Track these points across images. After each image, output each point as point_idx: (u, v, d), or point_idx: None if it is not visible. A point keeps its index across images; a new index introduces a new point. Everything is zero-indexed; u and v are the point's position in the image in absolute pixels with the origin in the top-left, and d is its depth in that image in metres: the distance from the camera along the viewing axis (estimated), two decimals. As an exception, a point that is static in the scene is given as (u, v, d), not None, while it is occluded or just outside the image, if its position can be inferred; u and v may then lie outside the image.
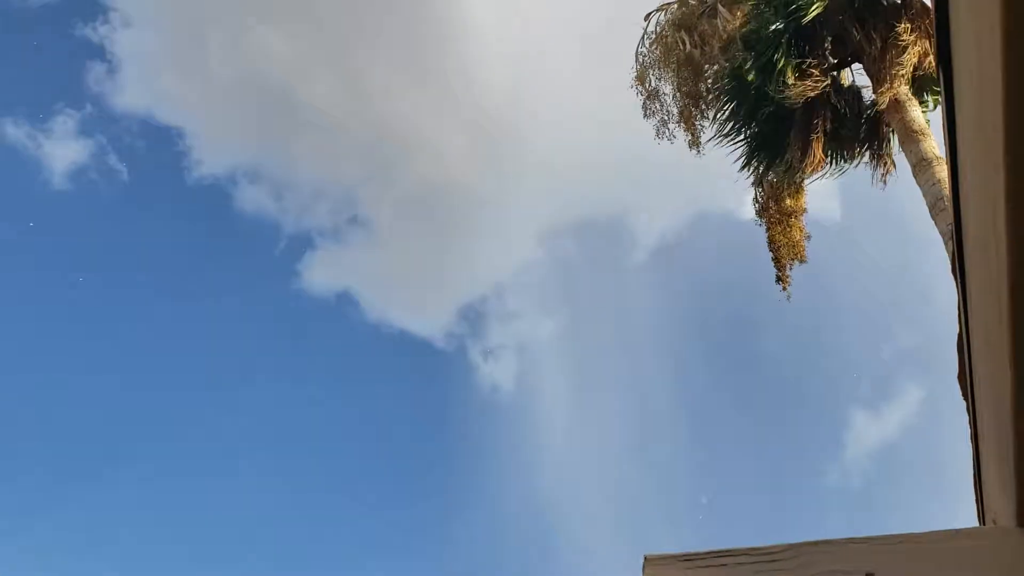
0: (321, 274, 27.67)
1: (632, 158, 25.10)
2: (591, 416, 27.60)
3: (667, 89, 13.21)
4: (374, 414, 29.27)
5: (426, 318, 28.79)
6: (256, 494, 27.59)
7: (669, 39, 12.43)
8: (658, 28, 13.09)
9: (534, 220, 28.29)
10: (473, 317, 29.24)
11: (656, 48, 12.99)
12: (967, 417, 1.77)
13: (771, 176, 12.46)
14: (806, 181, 12.66)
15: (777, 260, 12.56)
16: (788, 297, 12.54)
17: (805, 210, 12.89)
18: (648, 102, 13.22)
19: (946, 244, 9.33)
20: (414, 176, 28.82)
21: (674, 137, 13.31)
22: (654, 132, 13.26)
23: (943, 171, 9.77)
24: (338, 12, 27.41)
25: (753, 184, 12.62)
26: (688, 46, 12.23)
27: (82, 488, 25.50)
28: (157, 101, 27.19)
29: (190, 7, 27.34)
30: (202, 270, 28.65)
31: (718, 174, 13.88)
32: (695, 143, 13.17)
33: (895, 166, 12.24)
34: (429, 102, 28.31)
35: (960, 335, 1.77)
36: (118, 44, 26.27)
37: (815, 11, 10.73)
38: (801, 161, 11.49)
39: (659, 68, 12.84)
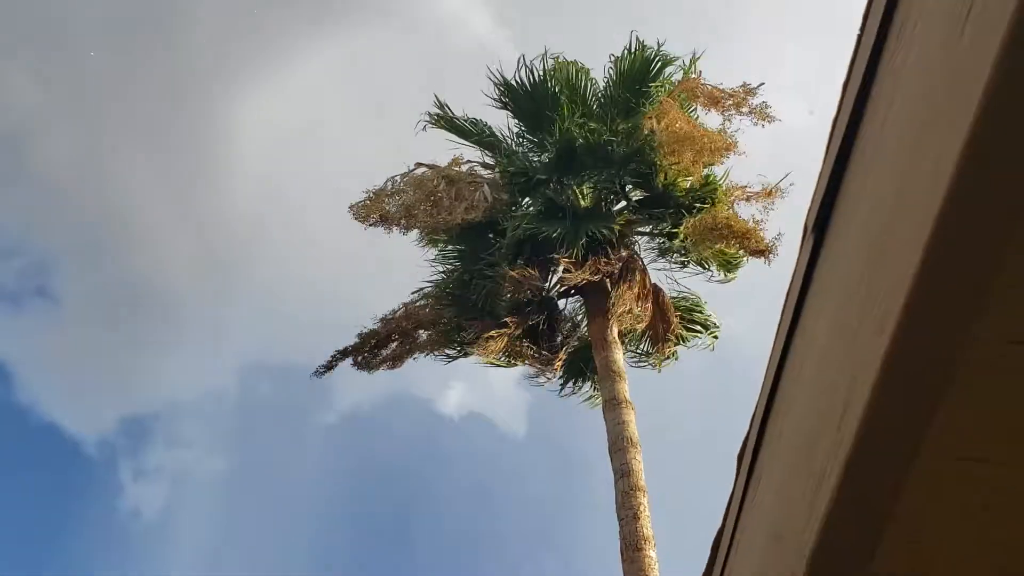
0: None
1: (352, 319, 24.96)
2: (228, 566, 25.47)
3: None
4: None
5: (83, 417, 25.94)
6: None
7: (428, 182, 12.37)
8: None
9: (237, 351, 26.93)
10: (136, 431, 26.71)
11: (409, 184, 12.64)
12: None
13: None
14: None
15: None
16: None
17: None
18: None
19: (616, 481, 9.86)
20: (124, 267, 26.72)
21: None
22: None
23: (629, 414, 10.50)
24: (107, 81, 25.75)
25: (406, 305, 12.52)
26: (443, 193, 12.22)
27: None
28: None
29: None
30: None
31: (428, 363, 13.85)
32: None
33: (567, 383, 13.01)
34: (168, 202, 26.86)
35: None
36: None
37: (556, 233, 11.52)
38: (483, 345, 11.73)
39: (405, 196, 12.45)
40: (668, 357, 12.98)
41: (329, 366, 12.25)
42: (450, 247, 12.87)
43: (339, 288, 24.38)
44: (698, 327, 13.03)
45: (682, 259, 12.76)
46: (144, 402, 26.87)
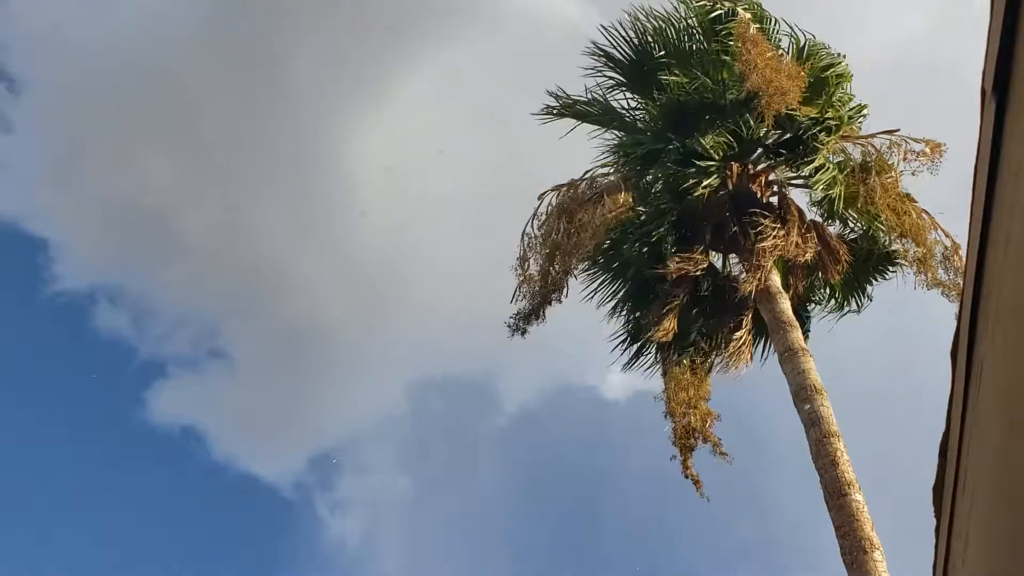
0: (170, 405, 26.20)
1: (504, 325, 25.34)
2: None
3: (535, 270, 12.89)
4: (210, 559, 27.12)
5: (275, 463, 27.45)
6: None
7: (549, 224, 12.50)
8: (548, 209, 13.04)
9: (401, 374, 27.84)
10: (325, 467, 28.02)
11: (540, 230, 12.84)
12: (936, 540, 1.63)
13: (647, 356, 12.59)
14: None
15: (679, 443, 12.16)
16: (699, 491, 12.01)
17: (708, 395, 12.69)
18: (522, 286, 12.77)
19: (807, 431, 9.56)
20: (282, 316, 28.16)
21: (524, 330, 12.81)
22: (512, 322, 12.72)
23: (808, 362, 10.17)
24: (227, 147, 27.29)
25: (662, 374, 12.52)
26: (563, 235, 12.26)
27: None
28: (26, 210, 26.03)
29: (74, 120, 26.71)
30: (43, 384, 26.63)
31: (588, 350, 13.90)
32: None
33: (751, 359, 12.63)
34: (307, 246, 28.11)
35: (945, 441, 1.66)
36: (-4, 148, 25.34)
37: (700, 192, 11.30)
38: (656, 324, 11.61)
39: (537, 250, 12.67)
40: (853, 297, 12.50)
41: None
42: (601, 268, 12.75)
43: (475, 297, 24.88)
44: (877, 266, 12.43)
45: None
46: (327, 438, 28.19)
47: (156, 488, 26.85)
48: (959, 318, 1.65)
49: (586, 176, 12.65)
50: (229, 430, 27.58)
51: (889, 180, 11.37)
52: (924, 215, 11.61)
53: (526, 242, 12.37)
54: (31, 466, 25.71)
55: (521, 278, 12.13)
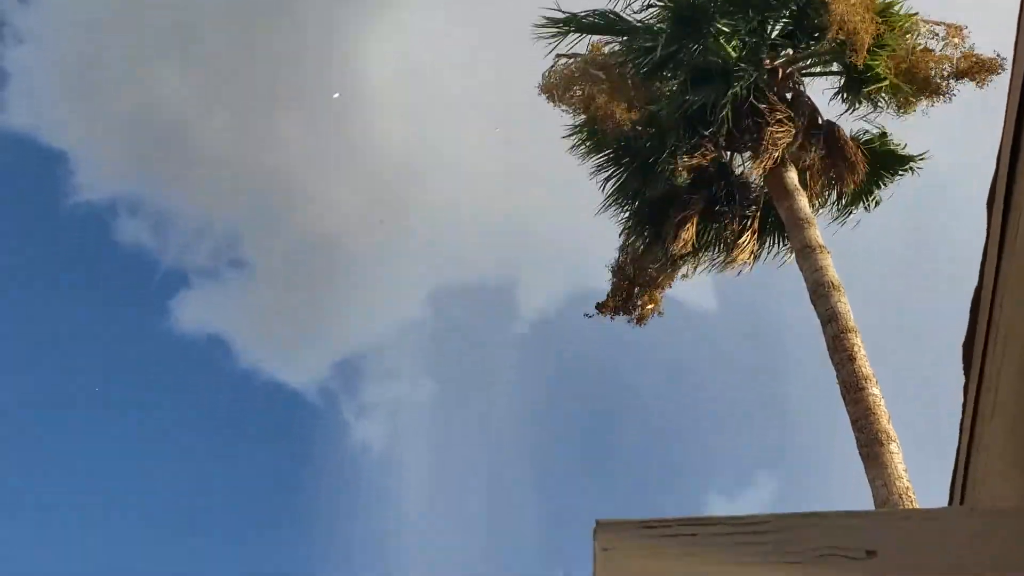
0: (194, 314, 26.40)
1: (524, 229, 25.27)
2: (453, 485, 27.00)
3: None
4: (237, 463, 27.82)
5: (300, 370, 27.80)
6: (106, 537, 25.59)
7: (577, 73, 12.04)
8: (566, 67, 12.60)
9: (421, 281, 27.93)
10: (349, 373, 28.41)
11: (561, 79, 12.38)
12: (964, 397, 1.59)
13: (640, 249, 12.47)
14: (677, 267, 12.64)
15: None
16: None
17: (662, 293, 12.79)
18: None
19: (824, 327, 9.54)
20: (302, 224, 28.12)
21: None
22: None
23: (826, 259, 10.08)
24: (240, 59, 26.84)
25: (619, 249, 12.53)
26: (595, 88, 11.90)
27: None
28: (42, 122, 25.83)
29: (89, 33, 26.26)
30: (66, 296, 26.92)
31: (604, 255, 13.82)
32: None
33: (756, 258, 12.57)
34: (323, 154, 27.87)
35: (977, 299, 1.60)
36: (7, 60, 24.95)
37: (716, 97, 11.07)
38: (674, 238, 11.57)
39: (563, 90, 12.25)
40: (861, 199, 12.34)
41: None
42: (611, 154, 12.50)
43: (494, 203, 24.69)
44: (890, 167, 12.25)
45: (853, 97, 11.96)
46: (349, 344, 28.45)
47: (184, 396, 27.38)
48: (998, 161, 1.56)
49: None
50: (253, 338, 27.90)
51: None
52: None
53: (547, 79, 12.00)
54: (57, 379, 26.20)
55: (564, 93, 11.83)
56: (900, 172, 12.31)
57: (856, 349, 9.19)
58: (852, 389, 8.93)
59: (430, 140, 27.02)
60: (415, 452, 27.52)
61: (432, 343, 28.71)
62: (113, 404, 26.48)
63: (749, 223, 12.18)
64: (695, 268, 12.63)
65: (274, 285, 28.43)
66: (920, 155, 12.25)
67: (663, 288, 12.66)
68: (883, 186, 12.40)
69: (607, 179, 12.42)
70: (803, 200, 10.88)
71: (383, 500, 26.96)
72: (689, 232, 11.62)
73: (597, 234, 14.64)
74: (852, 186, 11.91)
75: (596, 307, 12.53)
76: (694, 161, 11.20)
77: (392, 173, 27.67)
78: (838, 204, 12.53)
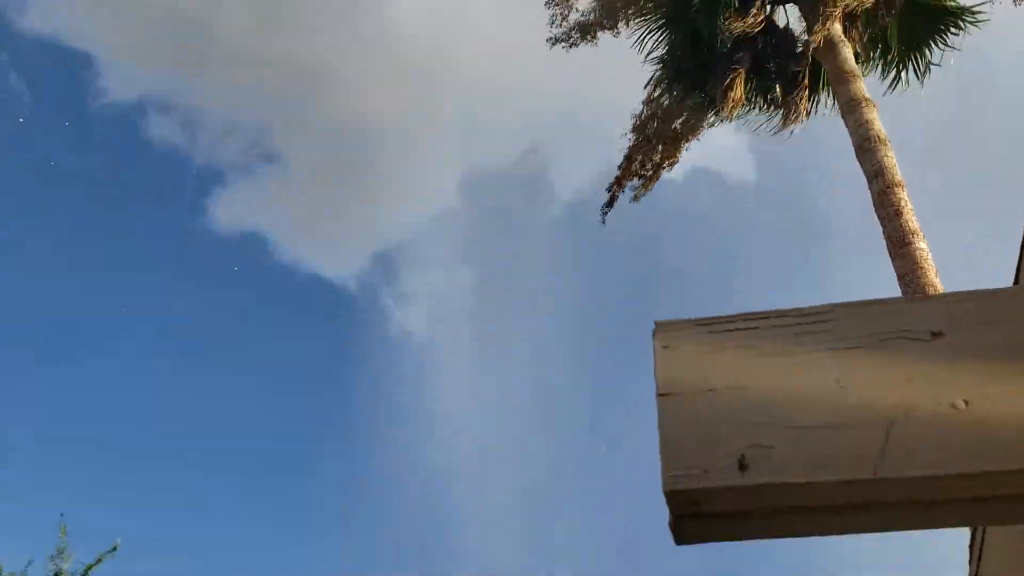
0: (230, 212, 26.63)
1: (556, 109, 24.81)
2: (494, 370, 27.49)
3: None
4: (284, 359, 28.50)
5: (339, 263, 28.10)
6: (150, 436, 26.61)
7: None
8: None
9: (454, 168, 27.76)
10: (387, 263, 28.65)
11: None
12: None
13: (676, 98, 12.19)
14: (719, 120, 12.38)
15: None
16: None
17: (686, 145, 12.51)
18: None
19: (870, 183, 9.35)
20: (333, 116, 27.89)
21: (573, 44, 12.56)
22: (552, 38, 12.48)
23: (872, 112, 9.78)
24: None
25: (643, 103, 12.26)
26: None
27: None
28: (65, 24, 25.56)
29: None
30: (102, 198, 27.22)
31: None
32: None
33: (808, 115, 12.20)
34: (351, 42, 27.33)
35: None
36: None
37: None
38: (723, 96, 11.29)
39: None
40: (910, 58, 11.85)
41: (611, 202, 12.40)
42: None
43: (526, 84, 24.13)
44: (940, 24, 11.66)
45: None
46: (386, 234, 28.62)
47: (226, 294, 27.88)
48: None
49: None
50: (291, 233, 28.18)
51: None
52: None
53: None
54: (101, 281, 26.74)
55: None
56: (953, 29, 11.69)
57: (903, 204, 9.02)
58: (898, 244, 8.81)
59: (461, 18, 26.36)
60: (455, 338, 27.96)
61: (467, 230, 28.76)
62: (159, 304, 27.08)
63: (798, 78, 11.78)
64: (735, 120, 12.29)
65: (307, 178, 28.46)
66: (973, 8, 11.60)
67: (688, 140, 12.41)
68: (935, 47, 11.86)
69: (646, 39, 12.10)
70: (848, 52, 10.52)
71: (426, 386, 27.62)
72: (738, 91, 11.33)
73: (630, 108, 14.34)
74: (896, 40, 11.44)
75: (614, 182, 12.37)
76: (744, 21, 10.80)
77: (422, 57, 27.15)
78: (885, 63, 12.08)
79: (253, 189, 27.26)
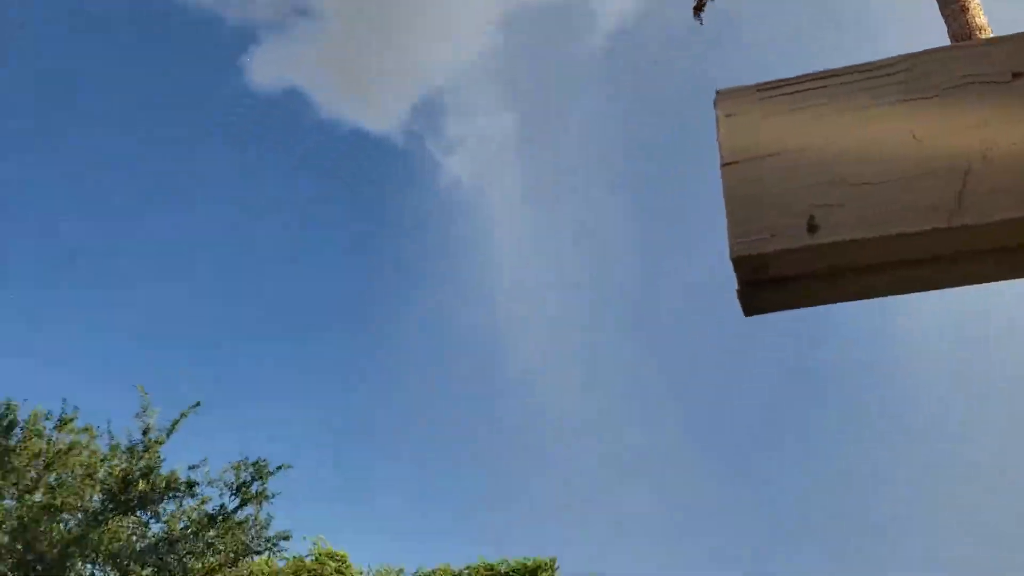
0: (268, 69, 26.30)
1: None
2: (544, 211, 27.42)
3: None
4: (337, 216, 28.76)
5: (382, 116, 27.83)
6: (209, 299, 27.45)
7: None
8: None
9: (493, 4, 26.82)
10: (430, 112, 28.30)
11: None
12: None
13: None
14: None
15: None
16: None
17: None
18: None
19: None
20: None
21: None
22: None
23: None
24: None
25: None
26: None
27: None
28: None
29: None
30: (139, 63, 27.08)
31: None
32: None
33: None
34: None
35: None
36: None
37: None
38: None
39: None
40: None
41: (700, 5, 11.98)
42: None
43: None
44: None
45: None
46: (427, 83, 28.07)
47: (271, 153, 27.95)
48: None
49: None
50: (331, 88, 27.86)
51: None
52: None
53: None
54: (150, 153, 26.95)
55: None
56: None
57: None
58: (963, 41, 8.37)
59: None
60: (504, 181, 27.81)
61: (509, 70, 28.08)
62: (210, 170, 27.27)
63: None
64: None
65: (344, 30, 27.82)
66: None
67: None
68: None
69: None
70: None
71: (477, 231, 27.74)
72: None
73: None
74: None
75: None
76: None
77: None
78: None
79: (289, 45, 26.82)
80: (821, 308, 1.34)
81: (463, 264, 27.13)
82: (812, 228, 1.19)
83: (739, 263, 1.22)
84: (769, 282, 1.25)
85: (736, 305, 1.35)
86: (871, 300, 1.31)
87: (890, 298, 1.30)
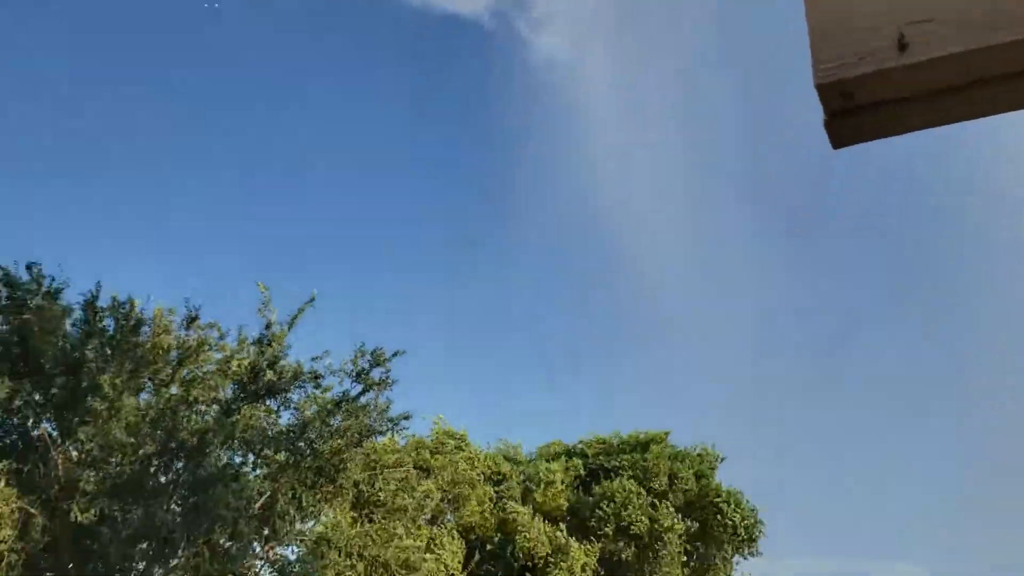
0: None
1: None
2: (638, 83, 26.60)
3: None
4: (431, 99, 28.67)
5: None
6: (323, 186, 27.96)
7: None
8: None
9: None
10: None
11: None
12: None
13: None
14: None
15: None
16: None
17: None
18: None
19: None
20: None
21: None
22: None
23: None
24: None
25: None
26: None
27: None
28: None
29: None
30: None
31: None
32: None
33: None
34: None
35: None
36: None
37: None
38: None
39: None
40: None
41: None
42: None
43: None
44: None
45: None
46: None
47: (364, 38, 27.81)
48: None
49: None
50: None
51: None
52: None
53: None
54: (246, 39, 27.08)
55: None
56: None
57: None
58: None
59: None
60: (599, 57, 27.02)
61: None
62: (304, 56, 27.20)
63: None
64: None
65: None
66: None
67: None
68: None
69: None
70: None
71: (573, 112, 27.22)
72: None
73: None
74: None
75: None
76: None
77: None
78: None
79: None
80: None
81: (559, 150, 26.78)
82: (902, 47, 1.13)
83: (824, 91, 1.18)
84: (857, 110, 1.21)
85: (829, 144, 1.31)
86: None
87: None
